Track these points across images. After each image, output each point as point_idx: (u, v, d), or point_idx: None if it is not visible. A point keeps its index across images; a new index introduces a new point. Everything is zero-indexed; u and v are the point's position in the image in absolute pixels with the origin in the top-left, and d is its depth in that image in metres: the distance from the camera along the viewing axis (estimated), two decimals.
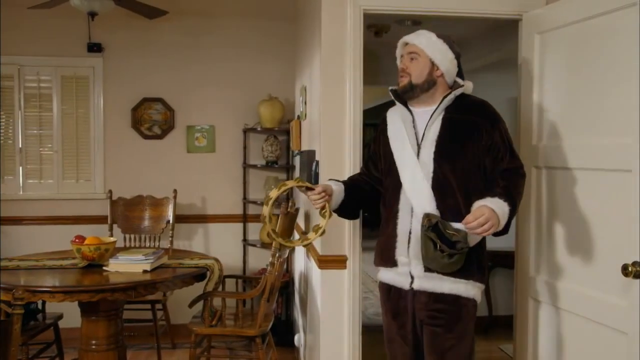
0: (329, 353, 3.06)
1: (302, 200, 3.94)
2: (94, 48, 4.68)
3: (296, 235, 3.93)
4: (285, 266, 4.36)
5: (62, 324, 3.70)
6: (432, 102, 2.43)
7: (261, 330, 3.35)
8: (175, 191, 4.54)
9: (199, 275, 3.32)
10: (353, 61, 2.98)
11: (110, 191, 4.58)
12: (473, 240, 2.28)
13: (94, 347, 3.22)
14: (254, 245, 4.78)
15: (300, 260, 4.24)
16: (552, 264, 2.71)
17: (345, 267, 3.03)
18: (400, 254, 2.39)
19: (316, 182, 3.18)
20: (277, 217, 3.34)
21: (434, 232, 2.23)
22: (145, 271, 3.13)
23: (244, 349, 4.29)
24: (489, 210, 2.17)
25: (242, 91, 4.84)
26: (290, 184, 2.46)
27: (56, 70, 4.70)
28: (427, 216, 2.27)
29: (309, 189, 2.44)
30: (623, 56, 2.28)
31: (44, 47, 4.68)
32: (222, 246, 4.82)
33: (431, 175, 2.34)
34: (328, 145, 3.03)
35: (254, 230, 4.88)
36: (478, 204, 2.22)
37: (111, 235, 4.40)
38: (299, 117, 4.26)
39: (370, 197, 2.60)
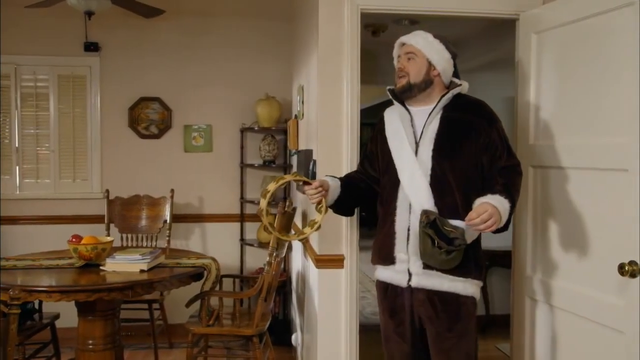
0: (326, 352, 3.06)
1: (300, 200, 3.95)
2: (91, 47, 4.67)
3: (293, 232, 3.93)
4: (282, 265, 4.36)
5: (58, 323, 3.69)
6: (430, 101, 2.45)
7: (258, 329, 3.35)
8: (172, 191, 4.54)
9: (196, 274, 3.32)
10: (350, 60, 2.98)
11: (107, 191, 4.57)
12: (470, 237, 2.30)
13: (90, 347, 3.22)
14: (251, 245, 4.78)
15: (298, 260, 4.24)
16: (549, 263, 2.71)
17: (342, 267, 3.03)
18: (399, 251, 2.40)
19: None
20: (274, 216, 3.34)
21: (432, 228, 2.25)
22: (142, 271, 3.13)
23: (241, 349, 4.29)
24: (491, 206, 2.19)
25: (239, 90, 4.83)
26: (288, 178, 2.50)
27: (53, 70, 4.69)
28: (425, 213, 2.29)
29: (306, 183, 2.47)
30: (619, 56, 2.29)
31: (40, 46, 4.66)
32: (219, 246, 4.81)
33: (429, 173, 2.37)
34: (325, 145, 3.03)
35: (252, 230, 4.87)
36: (480, 201, 2.24)
37: (108, 235, 4.39)
38: (296, 116, 4.26)
39: (365, 194, 2.62)
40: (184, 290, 3.50)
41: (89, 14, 3.80)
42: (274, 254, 3.31)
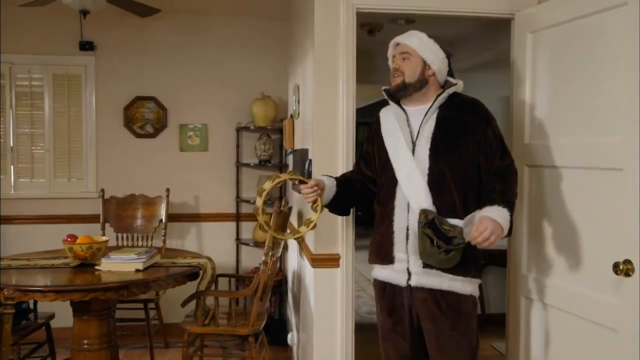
0: (322, 352, 3.06)
1: (295, 199, 3.95)
2: (86, 46, 4.65)
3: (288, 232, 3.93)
4: (278, 265, 4.36)
5: (53, 323, 3.69)
6: (425, 101, 2.46)
7: (254, 329, 3.35)
8: (167, 190, 4.53)
9: (192, 274, 3.31)
10: (346, 60, 2.98)
11: (103, 190, 4.56)
12: (468, 236, 2.30)
13: (86, 346, 3.21)
14: (247, 244, 4.78)
15: (294, 259, 4.24)
16: (544, 262, 2.72)
17: (338, 266, 3.03)
18: (398, 250, 2.41)
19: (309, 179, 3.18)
20: (270, 215, 3.34)
21: (431, 228, 2.27)
22: (137, 270, 3.12)
23: (237, 348, 4.28)
24: (491, 222, 2.20)
25: (235, 90, 4.83)
26: (284, 176, 2.52)
27: (48, 69, 4.68)
28: (424, 212, 2.30)
29: (301, 182, 2.48)
30: (614, 55, 2.30)
31: (35, 45, 4.65)
32: (215, 245, 4.81)
33: (427, 172, 2.38)
34: (321, 144, 3.03)
35: (247, 229, 4.87)
36: (480, 215, 2.25)
37: (103, 234, 4.38)
38: (292, 115, 4.26)
39: (361, 194, 2.63)
40: (180, 289, 3.49)
41: (84, 12, 3.79)
42: (270, 254, 3.30)
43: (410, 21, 3.96)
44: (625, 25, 2.22)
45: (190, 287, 3.43)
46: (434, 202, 2.34)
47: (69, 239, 3.23)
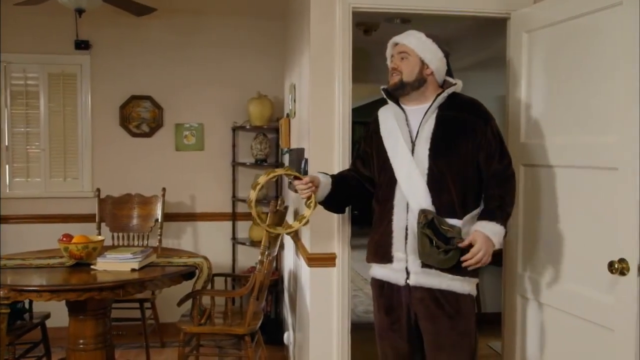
0: (318, 351, 3.06)
1: (291, 198, 3.94)
2: (82, 45, 4.64)
3: None
4: (274, 264, 4.36)
5: (49, 323, 3.68)
6: (424, 100, 2.47)
7: (250, 328, 3.34)
8: (163, 189, 4.52)
9: (188, 273, 3.31)
10: (342, 59, 2.98)
11: (98, 189, 4.55)
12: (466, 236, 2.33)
13: (81, 346, 3.20)
14: (243, 244, 4.77)
15: (290, 259, 4.24)
16: (540, 261, 2.72)
17: (334, 265, 3.03)
18: (397, 250, 2.41)
19: None
20: (266, 215, 3.33)
21: (430, 228, 2.28)
22: (133, 270, 3.11)
23: (233, 348, 4.28)
24: (484, 242, 2.28)
25: (231, 89, 4.83)
26: (279, 171, 2.52)
27: (43, 68, 4.66)
28: (423, 212, 2.31)
29: (296, 178, 2.48)
30: (609, 55, 2.30)
31: (30, 44, 4.63)
32: (211, 244, 4.80)
33: (426, 172, 2.38)
34: (317, 143, 3.03)
35: (243, 229, 4.87)
36: (475, 229, 2.31)
37: (99, 234, 4.37)
38: (288, 115, 4.25)
39: (357, 192, 2.63)
40: (176, 289, 3.49)
41: (80, 11, 3.77)
42: (266, 253, 3.30)
43: (406, 21, 3.96)
44: (621, 24, 2.23)
45: (186, 287, 3.42)
46: (433, 202, 2.35)
47: (64, 239, 3.22)
